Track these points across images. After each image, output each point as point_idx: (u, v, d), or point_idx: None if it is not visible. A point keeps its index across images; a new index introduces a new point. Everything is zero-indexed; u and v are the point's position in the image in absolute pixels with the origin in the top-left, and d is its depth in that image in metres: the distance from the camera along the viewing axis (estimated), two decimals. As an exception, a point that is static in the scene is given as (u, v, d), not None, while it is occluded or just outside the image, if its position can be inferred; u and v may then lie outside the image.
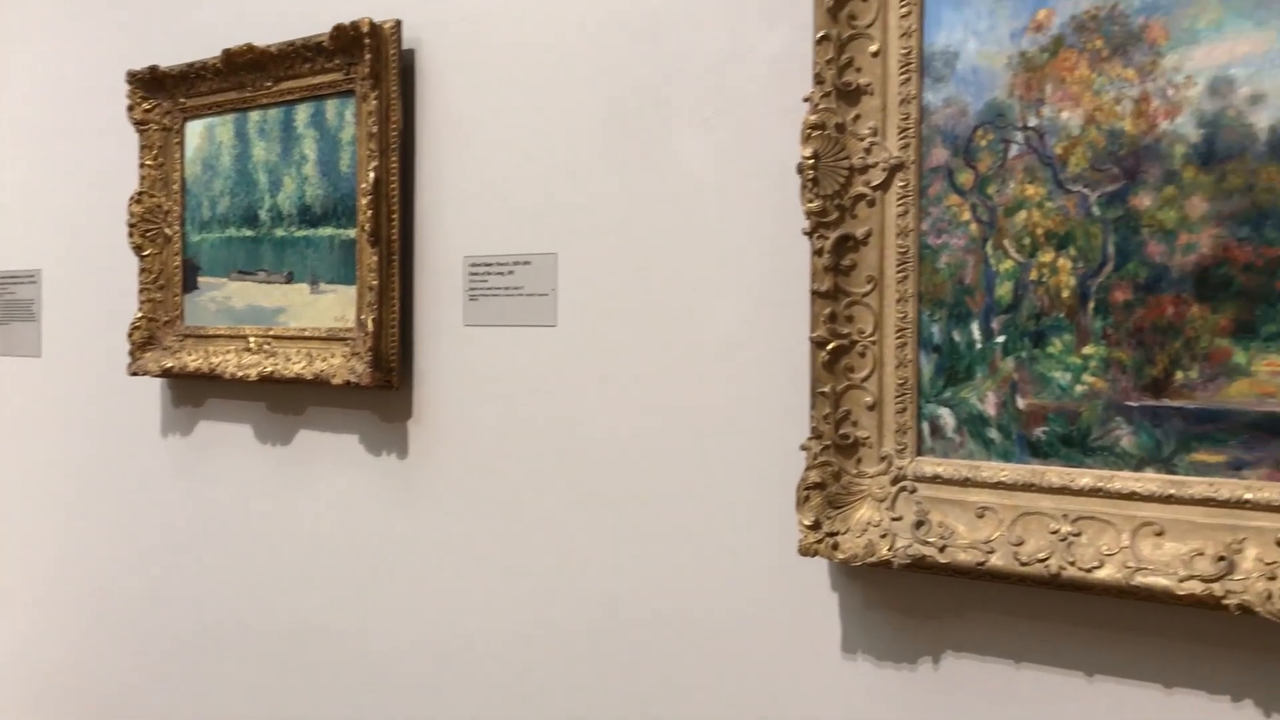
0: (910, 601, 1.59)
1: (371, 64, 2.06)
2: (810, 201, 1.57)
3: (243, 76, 2.31)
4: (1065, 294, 1.44)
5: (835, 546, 1.57)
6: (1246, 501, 1.32)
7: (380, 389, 2.12)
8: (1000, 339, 1.49)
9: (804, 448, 1.60)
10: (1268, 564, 1.28)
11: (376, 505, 2.20)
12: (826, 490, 1.58)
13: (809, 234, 1.58)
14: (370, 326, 2.07)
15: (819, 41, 1.55)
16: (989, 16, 1.48)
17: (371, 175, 2.06)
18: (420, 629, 2.13)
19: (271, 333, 2.31)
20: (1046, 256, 1.45)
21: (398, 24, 2.07)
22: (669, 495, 1.82)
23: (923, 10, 1.52)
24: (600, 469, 1.89)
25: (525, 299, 1.97)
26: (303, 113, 2.25)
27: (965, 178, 1.51)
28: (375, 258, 2.08)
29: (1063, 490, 1.43)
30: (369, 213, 2.07)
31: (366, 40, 2.05)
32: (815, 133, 1.56)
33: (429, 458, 2.12)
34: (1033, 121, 1.45)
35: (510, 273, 1.98)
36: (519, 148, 1.98)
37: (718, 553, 1.76)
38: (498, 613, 2.02)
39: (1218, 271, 1.34)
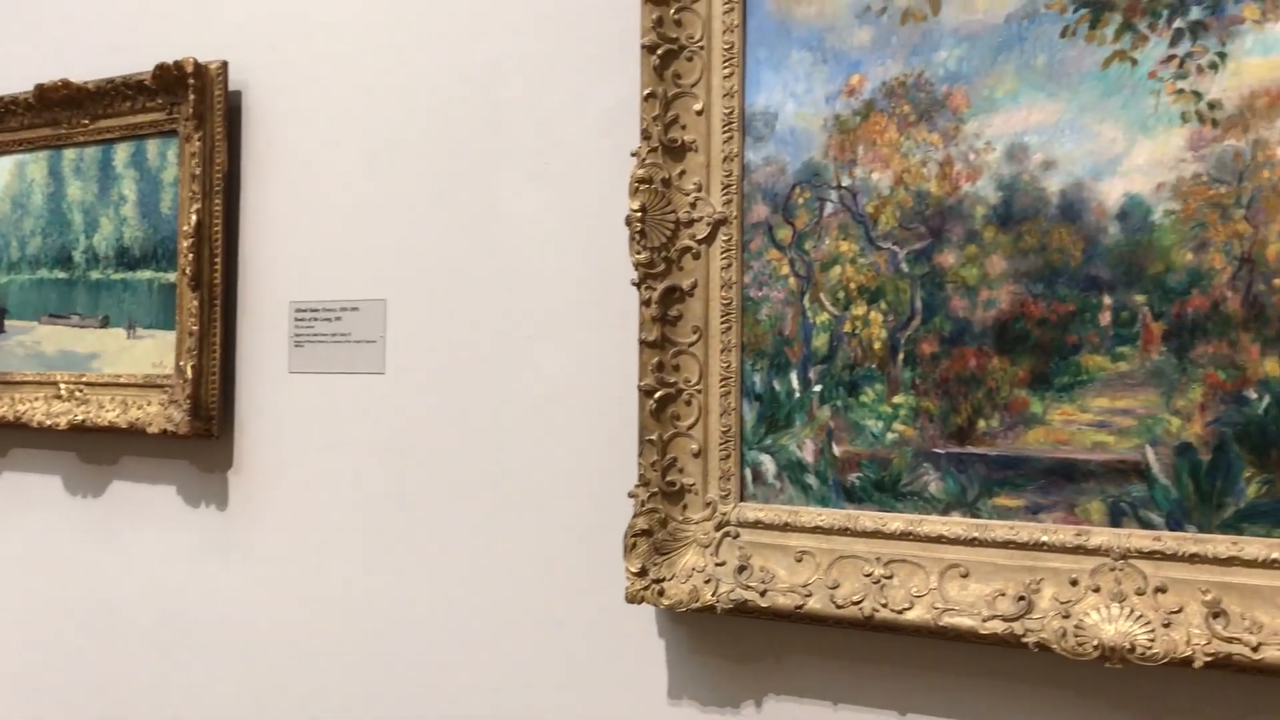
0: (735, 645, 1.62)
1: (195, 104, 2.01)
2: (638, 253, 1.60)
3: (57, 113, 2.22)
4: (877, 346, 1.50)
5: (661, 593, 1.59)
6: (1044, 544, 1.39)
7: (199, 438, 2.04)
8: (817, 388, 1.54)
9: (632, 495, 1.61)
10: (1063, 603, 1.36)
11: (195, 559, 2.11)
12: (653, 537, 1.60)
13: (637, 285, 1.61)
14: (189, 373, 2.00)
15: (646, 98, 1.59)
16: (806, 80, 1.55)
17: (194, 217, 2.01)
18: (241, 688, 2.05)
19: (84, 379, 2.21)
20: (859, 310, 1.52)
21: (224, 65, 2.03)
22: (498, 543, 1.80)
23: (744, 71, 1.58)
24: (428, 518, 1.86)
25: (353, 345, 1.93)
26: (122, 152, 2.17)
27: (784, 233, 1.56)
28: (196, 302, 2.01)
29: (876, 534, 1.48)
30: (190, 256, 2.01)
31: (191, 80, 2.00)
32: (643, 186, 1.60)
33: (251, 509, 2.05)
34: (846, 181, 1.52)
35: (338, 319, 1.95)
36: (349, 193, 1.95)
37: (547, 600, 1.76)
38: (323, 669, 1.96)
39: (1015, 326, 1.42)
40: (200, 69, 2.01)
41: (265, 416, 2.03)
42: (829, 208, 1.54)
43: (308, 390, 1.99)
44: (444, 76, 1.87)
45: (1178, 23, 1.33)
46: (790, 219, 1.56)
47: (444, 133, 1.87)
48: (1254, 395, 1.30)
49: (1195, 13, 1.32)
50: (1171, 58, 1.34)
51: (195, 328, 2.01)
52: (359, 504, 1.93)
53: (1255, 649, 1.25)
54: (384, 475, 1.91)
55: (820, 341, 1.54)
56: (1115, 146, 1.36)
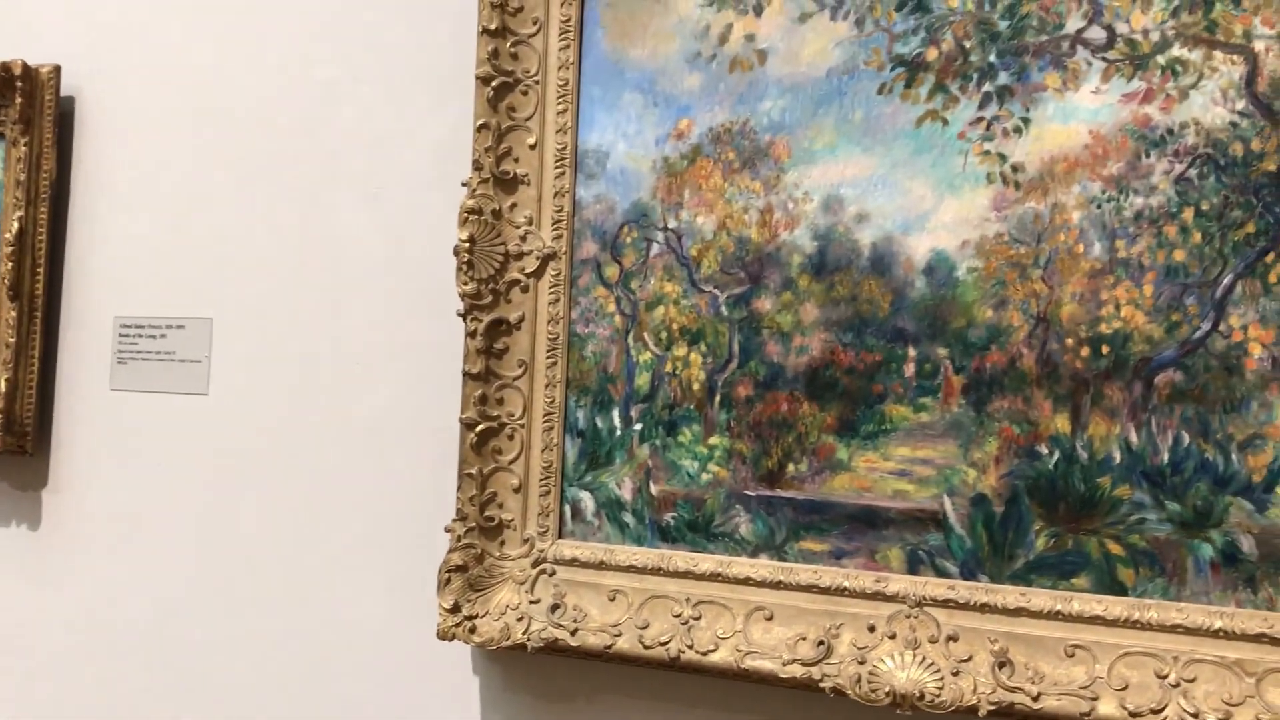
0: (547, 684, 1.61)
1: (23, 108, 1.93)
2: (465, 284, 1.59)
3: (-124, 109, 2.11)
4: (696, 387, 1.52)
5: (473, 630, 1.57)
6: (845, 589, 1.41)
7: (12, 454, 1.95)
8: (638, 427, 1.55)
9: (448, 530, 1.59)
10: (860, 649, 1.38)
11: (3, 580, 2.01)
12: (469, 573, 1.58)
13: (463, 316, 1.59)
14: (3, 387, 1.92)
15: (479, 129, 1.59)
16: (637, 121, 1.56)
17: (16, 225, 1.93)
18: (51, 714, 1.96)
19: (-106, 388, 2.09)
20: (680, 351, 1.53)
21: (56, 69, 1.96)
22: (314, 573, 1.76)
23: (578, 109, 1.59)
24: (246, 544, 1.81)
25: (177, 364, 1.88)
26: (-54, 152, 2.08)
27: (612, 271, 1.57)
28: (15, 313, 1.93)
29: (687, 574, 1.49)
30: (10, 265, 1.93)
31: (19, 83, 1.93)
32: (472, 217, 1.59)
33: (65, 530, 1.97)
34: (673, 223, 1.53)
35: (163, 336, 1.89)
36: (180, 207, 1.90)
37: (361, 633, 1.72)
38: (136, 694, 1.88)
39: (825, 373, 1.45)
40: (30, 71, 1.94)
41: (84, 435, 1.96)
42: (655, 248, 1.55)
43: (130, 409, 1.92)
44: (278, 96, 1.84)
45: (986, 86, 1.38)
46: (618, 257, 1.57)
47: (276, 152, 1.83)
48: (1045, 450, 1.34)
49: (1003, 78, 1.37)
50: (980, 120, 1.38)
51: (12, 339, 1.93)
52: (177, 527, 1.87)
53: (1036, 698, 1.29)
54: (204, 499, 1.85)
55: (642, 380, 1.55)
56: (924, 203, 1.40)
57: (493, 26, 1.58)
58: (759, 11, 1.49)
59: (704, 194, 1.52)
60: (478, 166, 1.59)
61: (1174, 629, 1.26)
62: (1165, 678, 1.25)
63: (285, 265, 1.81)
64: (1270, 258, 1.25)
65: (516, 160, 1.60)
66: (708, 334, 1.51)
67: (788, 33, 1.48)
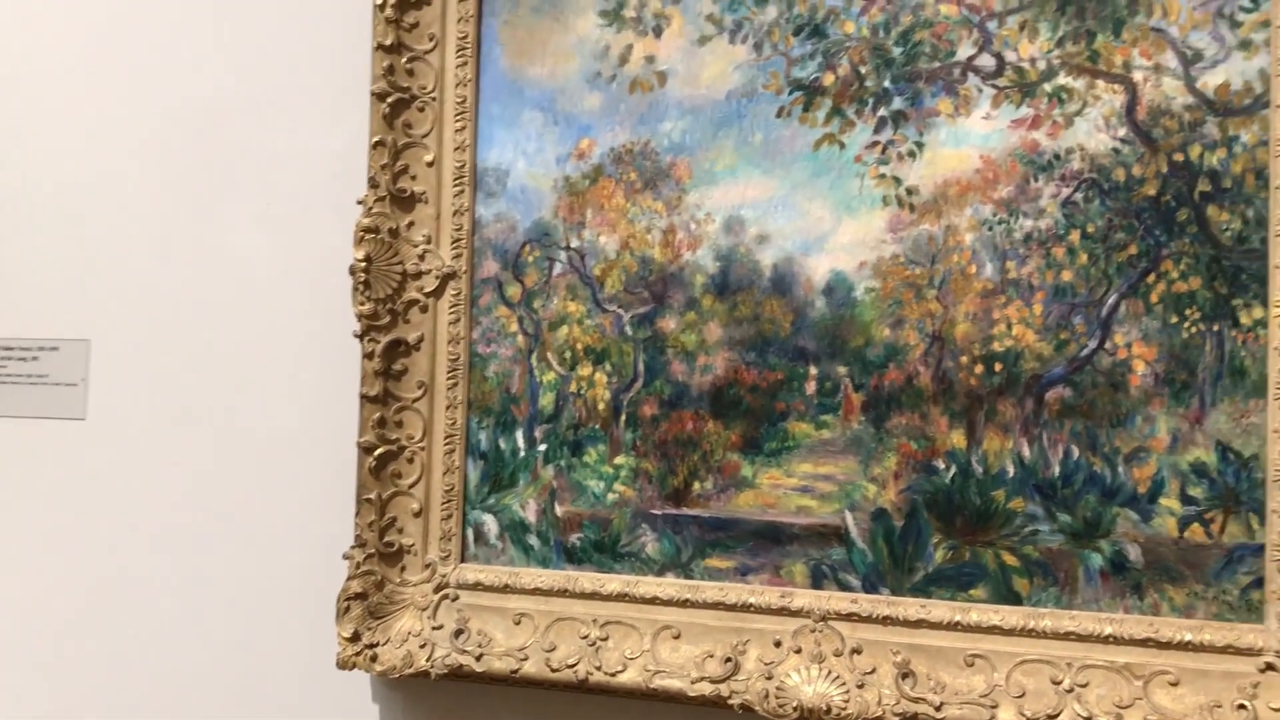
0: (451, 711, 1.58)
1: (-123, 118, 1.82)
2: (362, 304, 1.55)
3: None
4: (601, 407, 1.51)
5: (374, 658, 1.53)
6: (751, 605, 1.42)
7: None
8: (542, 447, 1.54)
9: (347, 556, 1.55)
10: (766, 664, 1.39)
11: None
12: (368, 600, 1.54)
13: (360, 337, 1.56)
14: None
15: (374, 146, 1.56)
16: (537, 139, 1.55)
17: None
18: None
19: None
20: (585, 370, 1.52)
21: (-86, 77, 1.85)
22: (207, 603, 1.70)
23: (476, 126, 1.57)
24: (131, 575, 1.74)
25: (50, 388, 1.79)
26: None
27: (514, 291, 1.56)
28: None
29: (594, 595, 1.48)
30: None
31: (-128, 91, 1.81)
32: (368, 236, 1.55)
33: (-74, 565, 1.86)
34: (575, 243, 1.53)
35: (34, 359, 1.80)
36: (53, 222, 1.81)
37: (257, 664, 1.67)
38: (1, 742, 1.79)
39: (729, 391, 1.46)
40: (-115, 80, 1.83)
41: (-53, 463, 1.85)
42: (558, 268, 1.54)
43: (-1, 436, 1.83)
44: (164, 107, 1.77)
45: (881, 111, 1.41)
46: (520, 277, 1.56)
47: (161, 165, 1.76)
48: (942, 465, 1.38)
49: (897, 103, 1.41)
50: (875, 144, 1.42)
51: None
52: (55, 561, 1.78)
53: (938, 708, 1.32)
54: (83, 529, 1.77)
55: (547, 400, 1.54)
56: (823, 225, 1.43)
57: (388, 42, 1.55)
58: (659, 33, 1.50)
59: (607, 213, 1.52)
60: (374, 184, 1.56)
61: (1067, 636, 1.31)
62: (1060, 684, 1.29)
63: (171, 284, 1.74)
64: (1151, 278, 1.31)
65: (414, 178, 1.57)
66: (612, 353, 1.51)
67: (687, 55, 1.49)
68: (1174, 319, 1.30)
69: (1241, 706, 1.22)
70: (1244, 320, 1.27)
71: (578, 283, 1.53)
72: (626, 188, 1.51)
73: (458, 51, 1.57)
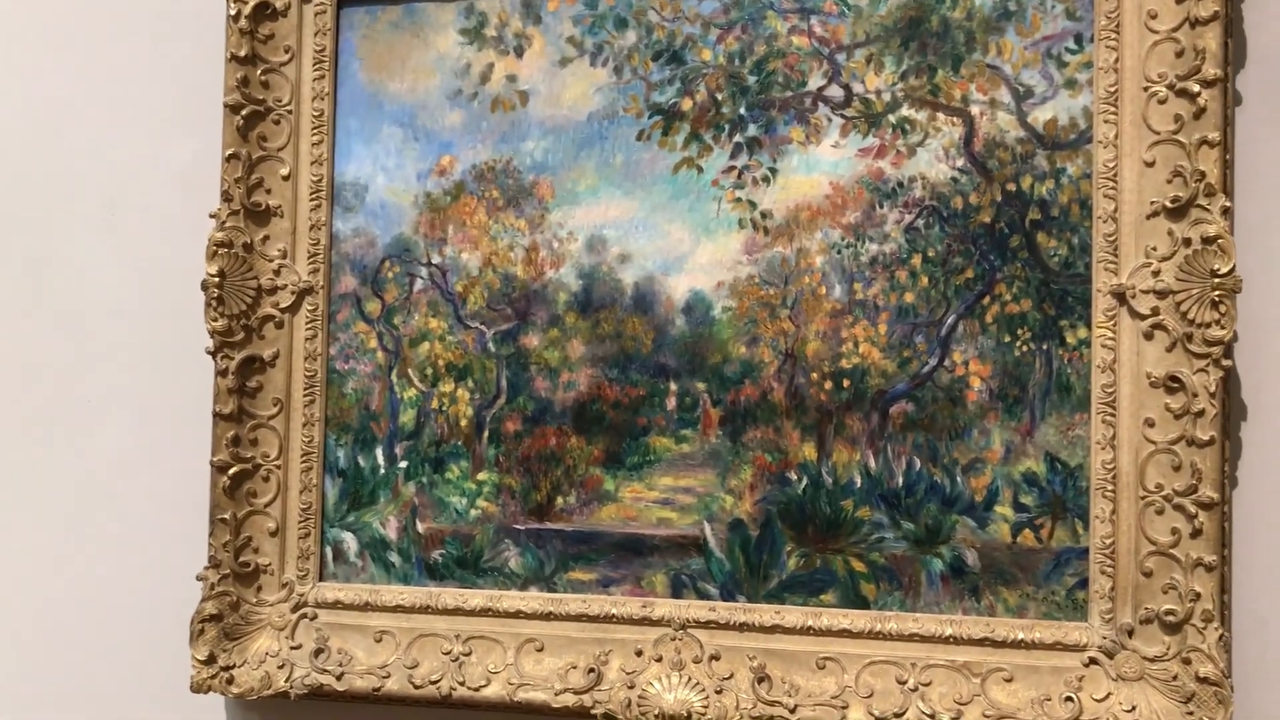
0: (310, 731, 1.57)
1: None
2: (215, 320, 1.52)
3: None
4: (463, 423, 1.52)
5: (230, 681, 1.50)
6: (613, 616, 1.46)
7: None
8: (403, 464, 1.53)
9: (200, 578, 1.52)
10: (629, 673, 1.43)
11: None
12: (224, 621, 1.51)
13: (213, 353, 1.52)
14: None
15: (228, 159, 1.52)
16: (397, 155, 1.54)
17: None
18: None
19: None
20: (447, 387, 1.53)
21: None
22: (56, 627, 1.63)
23: (334, 140, 1.55)
24: (-40, 604, 1.66)
25: None
26: None
27: (373, 306, 1.55)
28: None
29: (456, 611, 1.49)
30: None
31: None
32: (221, 250, 1.52)
33: None
34: (436, 259, 1.53)
35: None
36: None
37: (107, 689, 1.62)
38: None
39: (592, 407, 1.49)
40: None
41: None
42: (419, 284, 1.54)
43: None
44: (4, 113, 1.69)
45: (737, 137, 1.46)
46: (379, 292, 1.55)
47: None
48: (794, 477, 1.45)
49: (752, 130, 1.46)
50: (732, 168, 1.47)
51: None
52: None
53: (793, 710, 1.38)
54: (-95, 555, 1.67)
55: (407, 417, 1.54)
56: (682, 245, 1.47)
57: (242, 53, 1.52)
58: (520, 53, 1.52)
59: (468, 230, 1.53)
60: (227, 198, 1.53)
61: (911, 638, 1.39)
62: (905, 683, 1.37)
63: (8, 297, 1.66)
64: (986, 300, 1.40)
65: (269, 192, 1.55)
66: (475, 370, 1.52)
67: (549, 76, 1.51)
68: (1007, 338, 1.39)
69: (1069, 699, 1.32)
70: (1070, 340, 1.37)
71: (439, 299, 1.53)
72: (489, 205, 1.52)
73: (315, 64, 1.55)
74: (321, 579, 1.54)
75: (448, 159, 1.53)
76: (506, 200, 1.52)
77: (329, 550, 1.54)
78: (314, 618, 1.52)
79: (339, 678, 1.49)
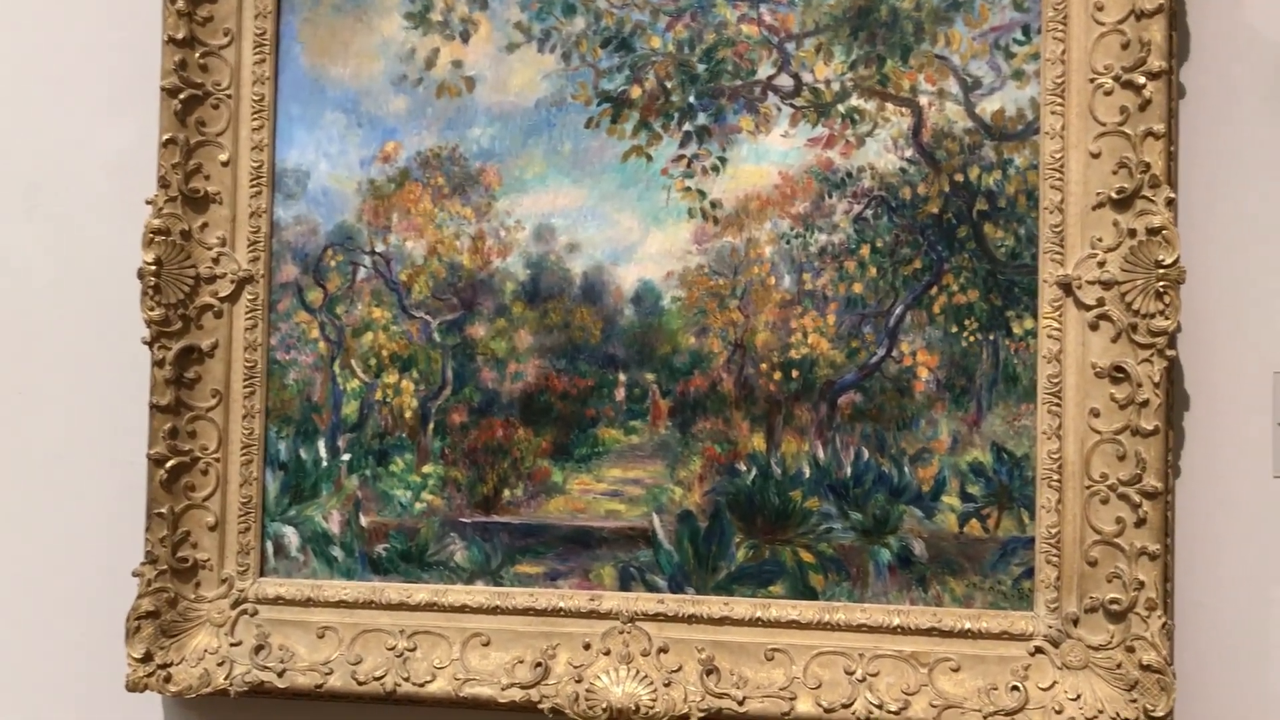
0: (251, 729, 1.53)
1: None
2: (151, 309, 1.48)
3: None
4: (408, 414, 1.50)
5: (168, 679, 1.47)
6: (561, 609, 1.44)
7: None
8: (346, 457, 1.51)
9: (137, 574, 1.48)
10: (576, 667, 1.41)
11: None
12: (161, 618, 1.47)
13: (150, 343, 1.48)
14: None
15: (165, 144, 1.48)
16: (340, 141, 1.51)
17: None
18: None
19: None
20: (391, 378, 1.50)
21: None
22: (-26, 630, 1.59)
23: (275, 126, 1.52)
24: (-116, 603, 1.60)
25: None
26: None
27: (315, 296, 1.52)
28: None
29: (401, 606, 1.47)
30: None
31: None
32: (158, 238, 1.48)
33: None
34: (380, 247, 1.51)
35: None
36: None
37: (43, 688, 1.58)
38: None
39: (540, 398, 1.47)
40: None
41: None
42: (362, 273, 1.51)
43: None
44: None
45: (687, 126, 1.45)
46: (321, 281, 1.52)
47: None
48: (744, 467, 1.44)
49: (701, 118, 1.45)
50: (681, 157, 1.45)
51: None
52: None
53: (741, 702, 1.38)
54: None
55: (350, 409, 1.51)
56: (632, 235, 1.46)
57: (179, 36, 1.48)
58: (466, 38, 1.49)
59: (413, 218, 1.50)
60: (164, 184, 1.49)
61: (859, 628, 1.39)
62: (853, 674, 1.37)
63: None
64: (934, 290, 1.40)
65: (208, 178, 1.51)
66: (420, 360, 1.50)
67: (495, 61, 1.49)
68: (954, 329, 1.40)
69: (1015, 688, 1.33)
70: (1017, 330, 1.38)
71: (383, 288, 1.51)
72: (434, 193, 1.49)
73: (255, 48, 1.51)
74: (262, 574, 1.51)
75: (392, 145, 1.51)
76: (452, 188, 1.49)
77: (270, 545, 1.51)
78: (254, 614, 1.49)
79: (280, 675, 1.46)
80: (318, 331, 1.52)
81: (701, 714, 1.38)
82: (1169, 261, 1.28)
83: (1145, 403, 1.29)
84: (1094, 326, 1.33)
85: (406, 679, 1.44)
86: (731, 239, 1.44)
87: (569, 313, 1.47)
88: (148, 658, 1.47)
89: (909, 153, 1.41)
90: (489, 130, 1.48)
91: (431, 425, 1.49)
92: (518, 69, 1.48)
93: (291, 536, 1.51)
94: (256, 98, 1.51)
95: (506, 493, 1.47)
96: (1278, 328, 1.38)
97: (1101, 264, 1.32)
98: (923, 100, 1.41)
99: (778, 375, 1.44)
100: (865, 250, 1.42)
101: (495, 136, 1.48)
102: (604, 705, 1.39)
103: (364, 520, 1.50)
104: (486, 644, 1.45)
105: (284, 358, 1.52)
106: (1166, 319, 1.29)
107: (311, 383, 1.51)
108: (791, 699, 1.37)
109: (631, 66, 1.46)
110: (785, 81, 1.44)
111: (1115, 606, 1.31)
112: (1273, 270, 1.38)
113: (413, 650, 1.45)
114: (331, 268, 1.52)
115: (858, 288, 1.42)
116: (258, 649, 1.47)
